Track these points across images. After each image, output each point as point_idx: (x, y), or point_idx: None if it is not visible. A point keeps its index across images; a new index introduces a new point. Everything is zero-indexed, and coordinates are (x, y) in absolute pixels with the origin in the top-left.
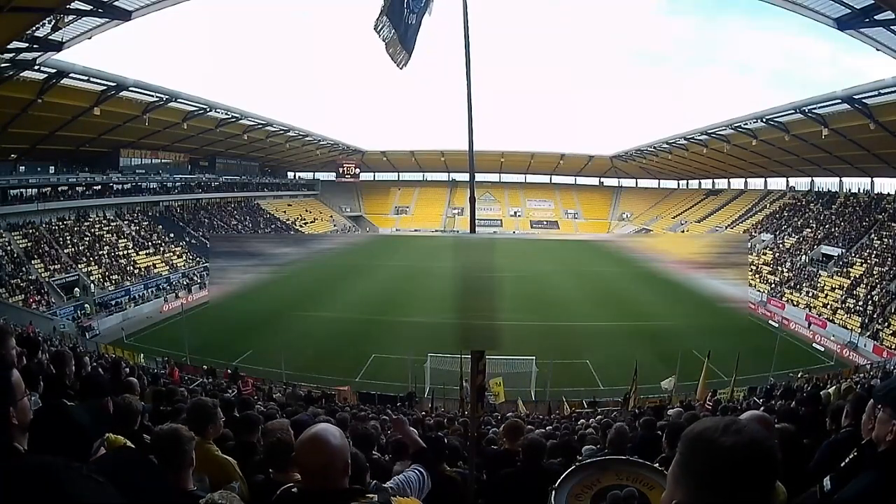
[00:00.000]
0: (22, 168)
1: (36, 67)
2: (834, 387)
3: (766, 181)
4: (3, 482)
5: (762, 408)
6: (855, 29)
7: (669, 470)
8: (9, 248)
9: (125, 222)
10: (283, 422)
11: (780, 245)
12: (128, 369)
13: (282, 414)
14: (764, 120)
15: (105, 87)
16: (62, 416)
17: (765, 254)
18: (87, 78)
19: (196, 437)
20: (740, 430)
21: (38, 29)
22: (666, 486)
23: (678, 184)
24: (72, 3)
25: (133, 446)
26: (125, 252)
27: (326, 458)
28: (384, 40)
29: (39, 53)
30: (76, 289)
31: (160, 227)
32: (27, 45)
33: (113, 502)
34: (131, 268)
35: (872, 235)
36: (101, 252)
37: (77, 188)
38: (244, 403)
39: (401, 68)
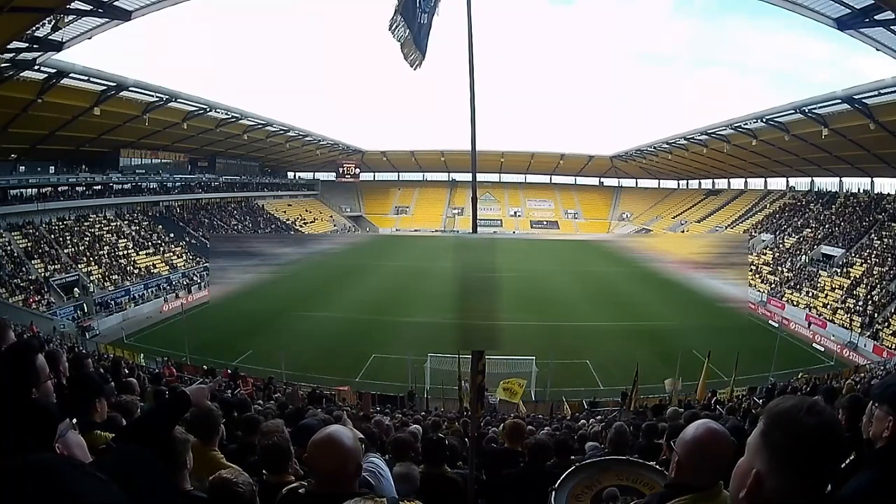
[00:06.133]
0: (22, 168)
1: (36, 67)
2: (848, 382)
3: (766, 181)
4: (6, 480)
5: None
6: (855, 29)
7: (749, 439)
8: (9, 248)
9: (125, 222)
10: (279, 422)
11: (780, 245)
12: (127, 370)
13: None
14: (764, 120)
15: (105, 87)
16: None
17: (765, 254)
18: (87, 78)
19: (193, 440)
20: (821, 411)
21: (38, 29)
22: (745, 453)
23: (678, 184)
24: (72, 3)
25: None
26: (125, 252)
27: (339, 460)
28: (399, 40)
29: (39, 53)
30: (75, 289)
31: (160, 227)
32: (27, 45)
33: (116, 501)
34: (131, 268)
35: (872, 235)
36: (101, 252)
37: (77, 188)
38: (242, 404)
39: (414, 69)
